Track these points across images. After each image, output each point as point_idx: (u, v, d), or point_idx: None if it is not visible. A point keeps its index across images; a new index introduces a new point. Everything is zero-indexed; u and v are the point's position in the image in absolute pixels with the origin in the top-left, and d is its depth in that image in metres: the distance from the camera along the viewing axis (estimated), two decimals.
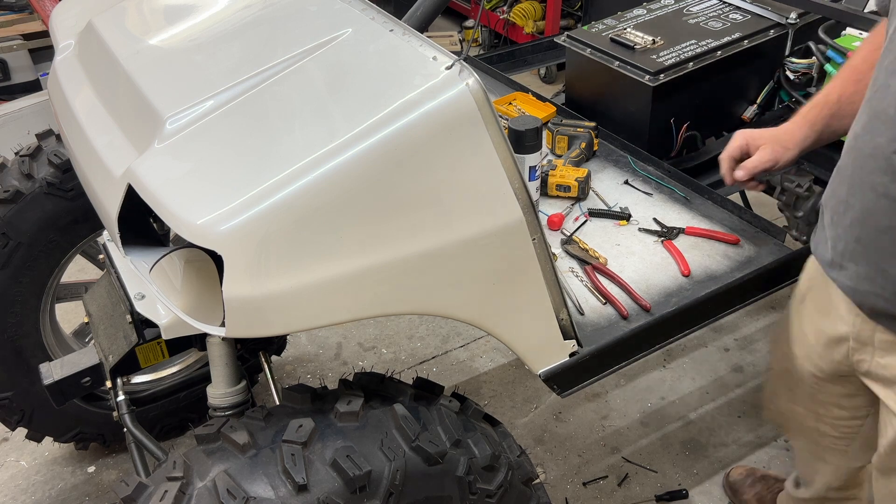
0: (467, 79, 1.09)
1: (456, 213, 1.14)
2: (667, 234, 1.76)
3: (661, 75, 1.95)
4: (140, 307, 1.40)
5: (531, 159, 1.74)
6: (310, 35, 1.28)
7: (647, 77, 1.95)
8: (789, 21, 2.11)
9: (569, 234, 1.78)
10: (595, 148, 2.05)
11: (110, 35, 1.47)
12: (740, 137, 1.53)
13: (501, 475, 1.30)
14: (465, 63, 1.11)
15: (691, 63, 2.00)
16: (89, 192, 1.40)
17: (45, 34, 3.82)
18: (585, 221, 1.83)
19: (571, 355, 1.43)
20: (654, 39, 2.06)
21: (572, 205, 1.88)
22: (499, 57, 2.59)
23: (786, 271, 1.68)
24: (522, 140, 1.72)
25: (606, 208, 1.86)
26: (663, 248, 1.73)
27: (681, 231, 1.77)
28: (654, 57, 2.00)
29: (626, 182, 1.96)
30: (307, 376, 2.76)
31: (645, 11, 2.26)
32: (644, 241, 1.77)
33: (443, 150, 1.10)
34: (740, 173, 1.50)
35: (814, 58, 2.02)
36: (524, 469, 1.38)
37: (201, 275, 1.30)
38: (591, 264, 1.68)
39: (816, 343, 1.45)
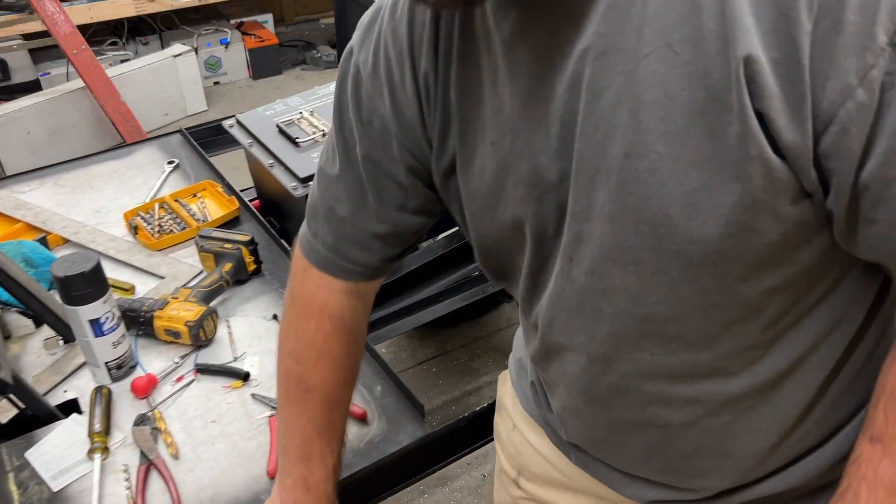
0: None
1: None
2: None
3: (310, 183, 1.52)
4: None
5: (89, 311, 1.29)
6: None
7: (294, 184, 1.52)
8: None
9: (156, 404, 1.34)
10: (251, 269, 1.61)
11: None
12: None
13: None
14: None
15: None
16: None
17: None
18: (191, 382, 1.39)
19: None
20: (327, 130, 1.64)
21: (184, 356, 1.44)
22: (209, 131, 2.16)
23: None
24: (67, 289, 1.27)
25: (220, 364, 1.42)
26: (269, 428, 1.30)
27: None
28: (315, 156, 1.57)
29: (275, 317, 1.52)
30: None
31: None
32: (251, 415, 1.32)
33: None
34: None
35: None
36: None
37: None
38: (150, 461, 1.23)
39: None
